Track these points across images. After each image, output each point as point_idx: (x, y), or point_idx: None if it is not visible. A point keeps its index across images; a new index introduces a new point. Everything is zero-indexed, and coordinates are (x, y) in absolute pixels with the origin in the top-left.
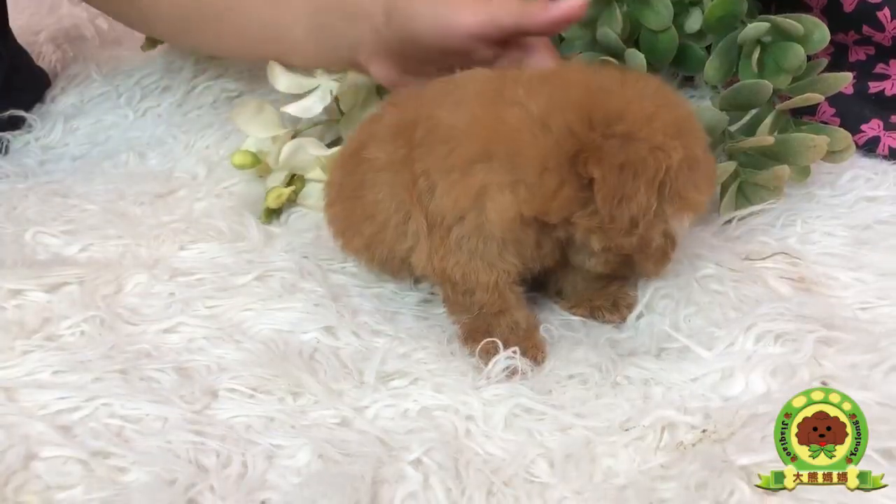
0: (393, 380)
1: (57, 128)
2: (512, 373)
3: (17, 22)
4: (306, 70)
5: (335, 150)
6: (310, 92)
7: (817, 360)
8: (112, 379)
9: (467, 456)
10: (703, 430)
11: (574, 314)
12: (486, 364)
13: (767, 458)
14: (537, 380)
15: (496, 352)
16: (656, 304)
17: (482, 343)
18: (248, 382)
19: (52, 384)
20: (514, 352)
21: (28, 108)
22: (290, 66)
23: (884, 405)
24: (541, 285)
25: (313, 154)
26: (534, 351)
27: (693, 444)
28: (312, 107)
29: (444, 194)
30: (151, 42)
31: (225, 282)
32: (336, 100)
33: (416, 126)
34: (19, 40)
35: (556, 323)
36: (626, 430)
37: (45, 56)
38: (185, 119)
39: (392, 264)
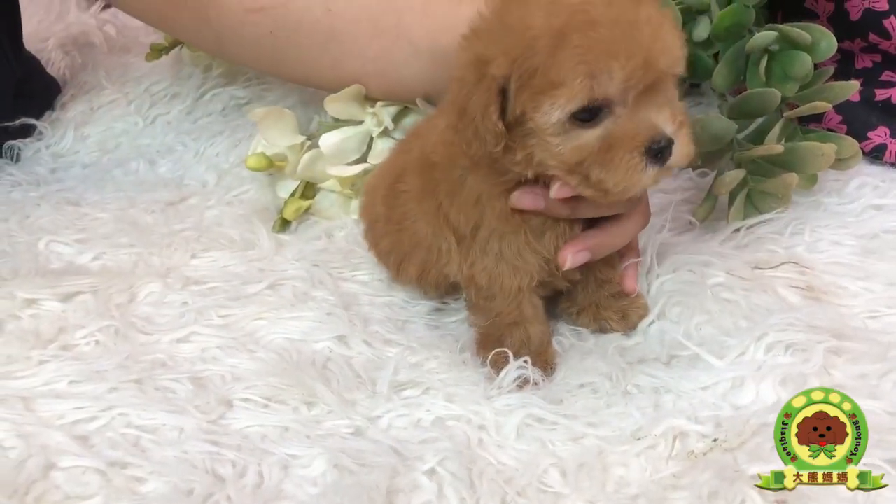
0: (405, 389)
1: (68, 135)
2: (523, 382)
3: (26, 29)
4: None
5: (354, 169)
6: (349, 124)
7: (827, 370)
8: (128, 389)
9: (481, 466)
10: (714, 440)
11: (580, 325)
12: (498, 374)
13: (778, 468)
14: (549, 389)
15: (507, 362)
16: (669, 311)
17: (493, 353)
18: (262, 392)
19: (69, 394)
20: (525, 362)
21: (39, 116)
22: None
23: (893, 415)
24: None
25: (332, 174)
26: (543, 364)
27: (704, 454)
28: (348, 150)
29: (455, 213)
30: (155, 52)
31: (237, 291)
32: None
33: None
34: (28, 47)
35: (567, 332)
36: (638, 439)
37: (53, 63)
38: (194, 126)
39: (445, 286)
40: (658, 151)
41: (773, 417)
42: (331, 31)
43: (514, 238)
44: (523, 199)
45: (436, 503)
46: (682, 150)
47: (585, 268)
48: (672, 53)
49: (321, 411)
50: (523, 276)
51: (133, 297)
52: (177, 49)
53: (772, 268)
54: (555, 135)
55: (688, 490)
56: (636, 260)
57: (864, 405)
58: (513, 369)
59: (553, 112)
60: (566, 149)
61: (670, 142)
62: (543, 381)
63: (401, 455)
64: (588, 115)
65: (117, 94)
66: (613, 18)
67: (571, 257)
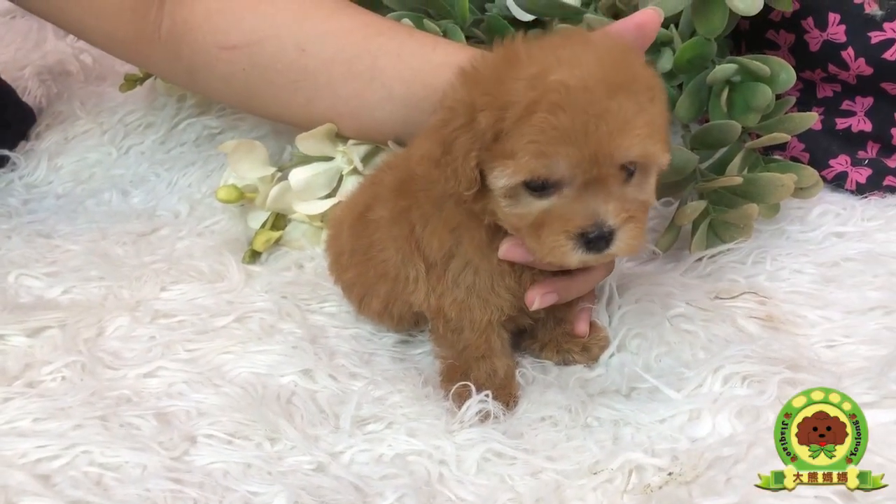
0: (368, 424)
1: (41, 166)
2: (485, 416)
3: (2, 57)
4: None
5: (322, 205)
6: (320, 159)
7: (781, 402)
8: (92, 426)
9: (440, 501)
10: (670, 473)
11: (544, 358)
12: (460, 408)
13: (730, 502)
14: (509, 423)
15: (469, 395)
16: (629, 343)
17: (456, 386)
18: (226, 428)
19: (33, 432)
20: (487, 395)
21: (13, 146)
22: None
23: None
24: (519, 332)
25: (300, 212)
26: (506, 397)
27: (660, 487)
28: (317, 186)
29: (429, 238)
30: (130, 82)
31: (205, 324)
32: None
33: (411, 180)
34: (4, 76)
35: (530, 365)
36: (595, 473)
37: (30, 91)
38: (167, 156)
39: (409, 318)
40: (592, 240)
41: (727, 450)
42: (304, 71)
43: (490, 273)
44: (511, 252)
45: None
46: (626, 242)
47: (550, 308)
48: (634, 150)
49: (284, 447)
50: (494, 309)
51: (101, 331)
52: (151, 79)
53: (732, 298)
54: (504, 197)
55: None
56: (590, 305)
57: None
58: (474, 403)
59: (500, 179)
60: (511, 212)
61: (610, 232)
62: (504, 414)
63: (361, 491)
64: (538, 186)
65: (91, 124)
66: (582, 105)
67: (539, 299)
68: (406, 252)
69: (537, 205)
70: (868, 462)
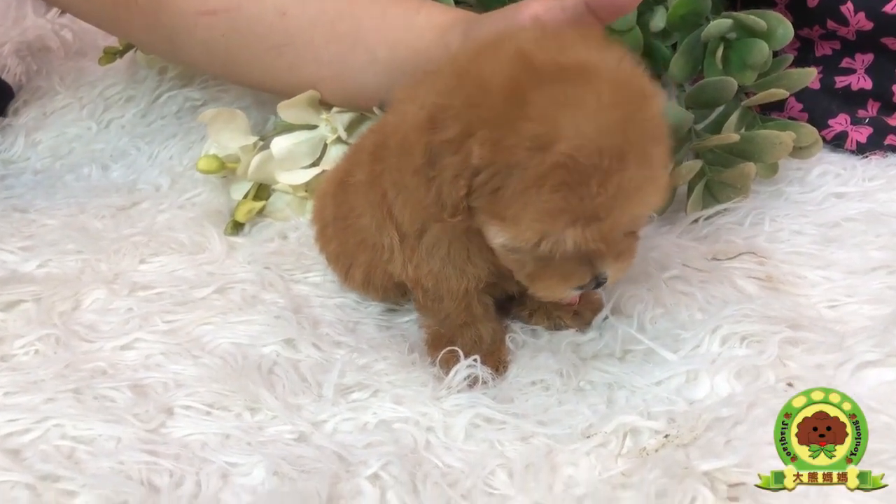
0: (352, 392)
1: (19, 142)
2: (473, 382)
3: None
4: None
5: (304, 175)
6: (303, 128)
7: (782, 361)
8: (65, 399)
9: (426, 469)
10: (666, 436)
11: (534, 324)
12: (447, 373)
13: (730, 463)
14: (499, 388)
15: (457, 361)
16: (623, 305)
17: (443, 352)
18: (204, 399)
19: (3, 406)
20: (475, 360)
21: None
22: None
23: None
24: (509, 299)
25: (282, 182)
26: (495, 363)
27: (656, 450)
28: (299, 154)
29: (400, 208)
30: (109, 55)
31: (184, 295)
32: None
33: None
34: None
35: (520, 330)
36: (588, 437)
37: (9, 69)
38: (148, 130)
39: (392, 288)
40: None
41: (726, 411)
42: (285, 35)
43: (465, 246)
44: None
45: None
46: (615, 276)
47: None
48: (643, 216)
49: (264, 417)
50: (471, 278)
51: (77, 304)
52: (131, 52)
53: (729, 258)
54: (496, 245)
55: (636, 489)
56: None
57: None
58: (462, 368)
59: (497, 237)
60: (505, 256)
61: (605, 280)
62: (494, 379)
63: (344, 460)
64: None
65: (71, 99)
66: (592, 185)
67: None
68: (380, 219)
69: (536, 253)
70: (874, 421)
